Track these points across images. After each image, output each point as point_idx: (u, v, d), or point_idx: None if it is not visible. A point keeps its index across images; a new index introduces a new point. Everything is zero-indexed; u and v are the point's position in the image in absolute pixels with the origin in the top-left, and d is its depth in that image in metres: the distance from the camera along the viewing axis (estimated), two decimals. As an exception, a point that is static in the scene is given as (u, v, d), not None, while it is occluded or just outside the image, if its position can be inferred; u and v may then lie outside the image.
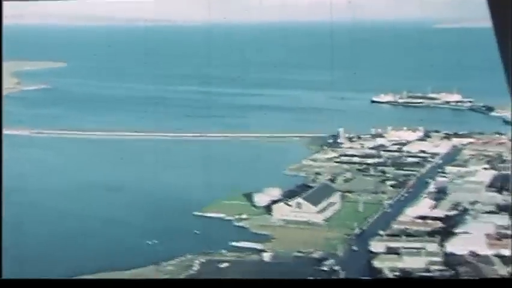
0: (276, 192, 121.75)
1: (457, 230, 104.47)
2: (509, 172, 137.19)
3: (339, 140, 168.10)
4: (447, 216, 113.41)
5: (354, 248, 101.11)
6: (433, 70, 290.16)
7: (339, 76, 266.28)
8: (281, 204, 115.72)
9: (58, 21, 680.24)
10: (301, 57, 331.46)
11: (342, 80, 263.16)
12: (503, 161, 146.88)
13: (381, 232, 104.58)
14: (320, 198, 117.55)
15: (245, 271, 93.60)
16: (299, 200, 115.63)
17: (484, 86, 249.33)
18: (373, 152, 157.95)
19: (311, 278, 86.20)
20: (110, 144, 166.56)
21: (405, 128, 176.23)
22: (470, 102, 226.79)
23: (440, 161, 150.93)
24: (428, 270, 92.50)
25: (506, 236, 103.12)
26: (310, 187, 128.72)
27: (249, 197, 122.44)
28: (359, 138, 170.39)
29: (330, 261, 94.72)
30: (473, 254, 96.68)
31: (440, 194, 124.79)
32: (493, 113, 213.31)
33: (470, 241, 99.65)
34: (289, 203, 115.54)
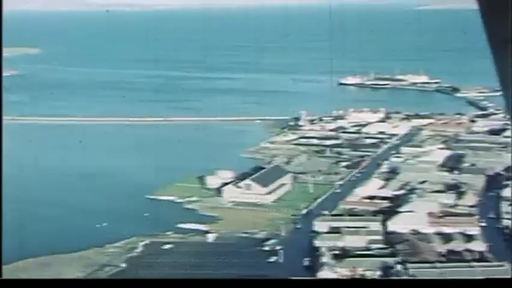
0: (228, 175, 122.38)
1: (401, 209, 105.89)
2: (462, 152, 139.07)
3: (300, 123, 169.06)
4: (395, 195, 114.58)
5: (298, 227, 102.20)
6: (406, 52, 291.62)
7: (309, 58, 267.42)
8: (230, 186, 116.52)
9: (37, 6, 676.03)
10: (273, 40, 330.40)
11: (312, 63, 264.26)
12: (459, 141, 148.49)
13: (325, 212, 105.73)
14: (269, 179, 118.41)
15: (188, 252, 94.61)
16: (248, 181, 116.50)
17: (453, 67, 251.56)
18: (332, 133, 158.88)
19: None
20: (67, 129, 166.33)
21: (366, 110, 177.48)
22: (436, 83, 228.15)
23: (398, 142, 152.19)
24: (368, 249, 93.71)
25: (448, 215, 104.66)
26: (264, 169, 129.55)
27: (201, 179, 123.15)
28: (321, 120, 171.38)
29: (272, 241, 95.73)
30: (414, 232, 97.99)
31: (392, 174, 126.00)
32: (458, 94, 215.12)
33: (413, 220, 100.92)
34: (239, 184, 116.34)
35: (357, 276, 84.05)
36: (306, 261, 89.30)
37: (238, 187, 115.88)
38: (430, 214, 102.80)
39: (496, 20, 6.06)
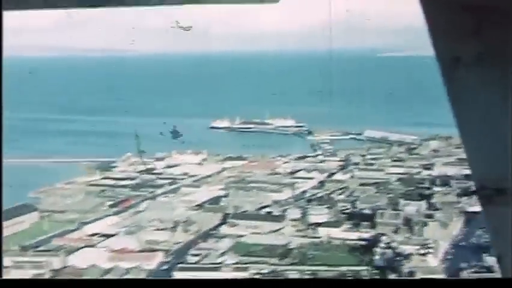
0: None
1: (99, 245, 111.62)
2: (224, 192, 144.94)
3: (117, 164, 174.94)
4: (116, 232, 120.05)
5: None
6: (300, 96, 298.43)
7: (190, 102, 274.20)
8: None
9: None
10: (154, 84, 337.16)
11: (192, 106, 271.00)
12: (239, 182, 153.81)
13: (15, 248, 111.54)
14: (7, 217, 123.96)
15: None
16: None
17: (332, 111, 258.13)
18: (136, 174, 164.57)
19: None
20: None
21: (189, 151, 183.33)
22: (298, 127, 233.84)
23: (187, 183, 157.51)
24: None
25: (140, 251, 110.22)
26: (31, 208, 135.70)
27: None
28: (143, 162, 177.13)
29: None
30: (87, 267, 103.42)
31: (137, 212, 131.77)
32: (309, 137, 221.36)
33: (95, 255, 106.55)
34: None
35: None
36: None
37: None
38: (117, 250, 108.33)
39: (444, 38, 6.05)
